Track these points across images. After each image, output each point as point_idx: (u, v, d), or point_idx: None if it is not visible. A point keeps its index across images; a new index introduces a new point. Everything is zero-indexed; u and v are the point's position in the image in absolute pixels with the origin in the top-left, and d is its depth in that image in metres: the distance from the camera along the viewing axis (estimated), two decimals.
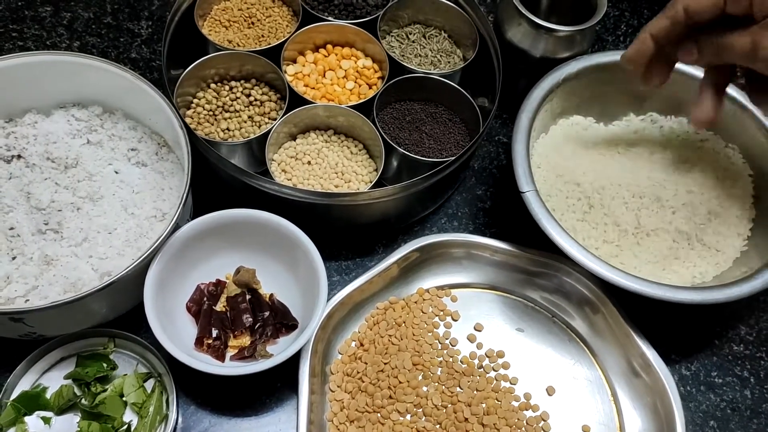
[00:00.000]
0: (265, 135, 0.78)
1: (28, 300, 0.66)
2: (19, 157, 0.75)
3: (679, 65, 0.85)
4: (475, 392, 0.72)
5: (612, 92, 0.87)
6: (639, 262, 0.75)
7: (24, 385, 0.67)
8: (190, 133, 0.72)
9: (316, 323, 0.67)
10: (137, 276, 0.66)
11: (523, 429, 0.71)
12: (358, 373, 0.72)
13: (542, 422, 0.72)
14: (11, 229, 0.70)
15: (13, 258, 0.69)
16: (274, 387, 0.72)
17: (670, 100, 0.87)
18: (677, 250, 0.76)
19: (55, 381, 0.67)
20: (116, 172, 0.77)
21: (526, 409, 0.73)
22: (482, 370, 0.75)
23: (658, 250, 0.75)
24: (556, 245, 0.71)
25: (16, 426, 0.65)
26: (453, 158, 0.75)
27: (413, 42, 0.91)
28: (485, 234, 0.83)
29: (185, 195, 0.69)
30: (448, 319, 0.78)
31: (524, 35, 0.85)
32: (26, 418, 0.65)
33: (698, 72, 0.85)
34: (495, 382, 0.74)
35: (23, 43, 0.90)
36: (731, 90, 0.84)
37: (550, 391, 0.74)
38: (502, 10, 0.88)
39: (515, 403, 0.73)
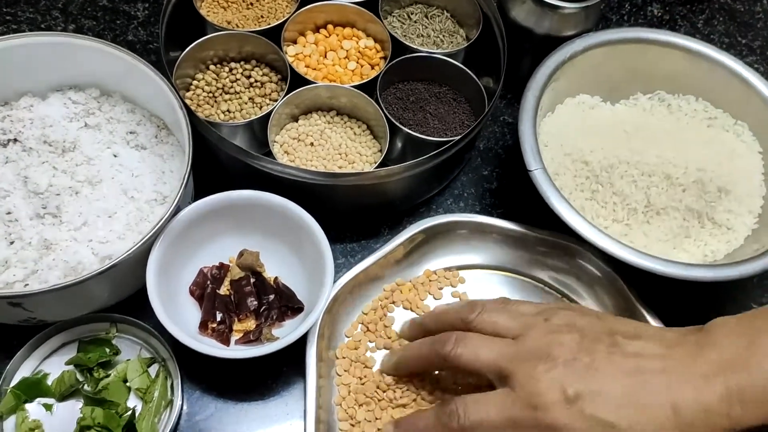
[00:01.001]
0: (267, 116, 0.76)
1: (27, 284, 0.64)
2: (15, 140, 0.73)
3: (677, 39, 0.84)
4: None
5: (619, 71, 0.85)
6: (649, 241, 0.73)
7: (24, 371, 0.65)
8: (191, 115, 0.71)
9: (322, 306, 0.66)
10: (139, 259, 0.65)
11: None
12: (364, 356, 0.71)
13: None
14: (8, 213, 0.69)
15: (11, 243, 0.67)
16: (280, 371, 0.70)
17: (677, 79, 0.86)
18: (688, 229, 0.75)
19: (56, 367, 0.66)
20: (115, 156, 0.75)
21: None
22: None
23: (669, 229, 0.74)
24: (566, 224, 0.69)
25: (16, 413, 0.63)
26: (459, 137, 0.74)
27: (415, 22, 0.89)
28: (492, 215, 0.82)
29: (186, 177, 0.67)
30: (457, 300, 0.76)
31: (528, 13, 0.84)
32: (27, 406, 0.64)
33: (705, 48, 0.84)
34: None
35: (17, 27, 0.88)
36: (739, 66, 0.83)
37: None
38: None
39: None
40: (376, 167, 0.76)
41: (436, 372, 0.70)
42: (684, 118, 0.85)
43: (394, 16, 0.90)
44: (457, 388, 0.69)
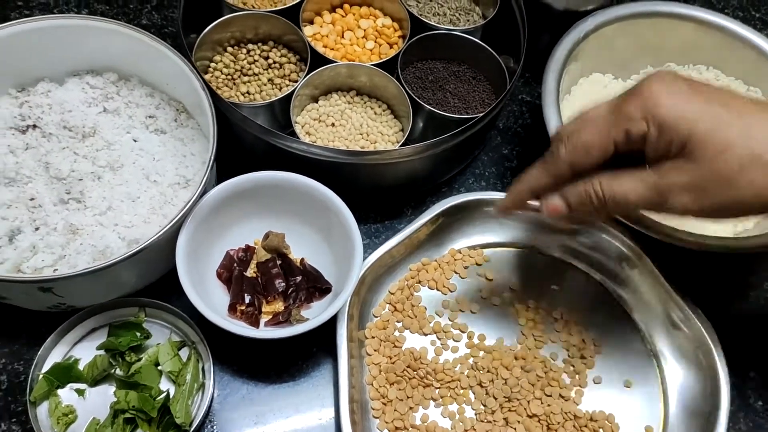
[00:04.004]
0: (288, 97, 0.75)
1: (56, 269, 0.64)
2: (34, 126, 0.73)
3: (691, 11, 0.84)
4: (513, 350, 0.71)
5: (630, 46, 0.85)
6: (681, 219, 0.73)
7: (55, 357, 0.65)
8: (214, 96, 0.70)
9: (352, 286, 0.66)
10: (166, 243, 0.64)
11: (561, 384, 0.70)
12: (393, 336, 0.71)
13: (582, 378, 0.71)
14: (32, 199, 0.68)
15: (36, 228, 0.67)
16: (310, 352, 0.70)
17: (687, 49, 0.86)
18: None
19: (86, 352, 0.65)
20: (135, 140, 0.74)
21: (565, 365, 0.72)
22: (520, 328, 0.73)
23: None
24: None
25: (49, 399, 0.63)
26: (482, 114, 0.73)
27: (431, 1, 0.89)
28: None
29: (212, 158, 0.67)
30: (482, 278, 0.76)
31: None
32: (59, 391, 0.63)
33: (713, 17, 0.84)
34: (531, 339, 0.73)
35: (29, 12, 0.87)
36: (750, 34, 0.83)
37: (589, 347, 0.73)
38: None
39: (554, 361, 0.72)
40: (400, 146, 0.75)
41: (480, 354, 0.70)
42: None
43: None
44: (493, 370, 0.70)
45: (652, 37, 0.85)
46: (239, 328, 0.63)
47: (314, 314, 0.68)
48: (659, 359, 0.73)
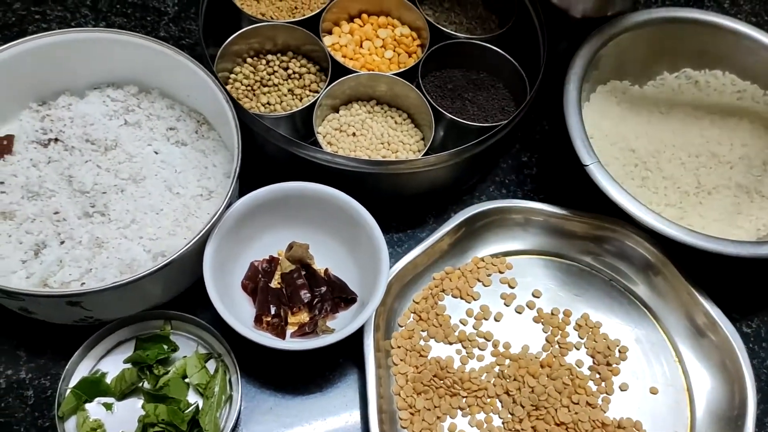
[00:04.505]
0: (310, 108, 0.75)
1: (84, 283, 0.64)
2: (56, 140, 0.73)
3: (707, 16, 0.84)
4: (538, 357, 0.71)
5: (646, 52, 0.86)
6: (706, 222, 0.73)
7: (82, 371, 0.64)
8: (237, 107, 0.70)
9: (379, 297, 0.65)
10: (192, 256, 0.64)
11: (588, 391, 0.70)
12: (419, 345, 0.71)
13: (608, 385, 0.71)
14: (56, 213, 0.68)
15: (62, 242, 0.66)
16: (336, 362, 0.70)
17: (702, 55, 0.87)
18: (739, 205, 0.75)
19: (112, 366, 0.65)
20: (156, 153, 0.74)
21: (591, 372, 0.71)
22: (545, 335, 0.73)
23: (722, 207, 0.74)
24: (630, 215, 0.69)
25: (77, 414, 0.62)
26: (506, 121, 0.73)
27: (447, 9, 0.89)
28: (534, 200, 0.81)
29: (236, 170, 0.67)
30: (506, 286, 0.76)
31: None
32: (87, 405, 0.63)
33: (729, 22, 0.84)
34: (557, 346, 0.72)
35: (47, 26, 0.87)
36: (760, 36, 0.83)
37: (614, 354, 0.72)
38: None
39: (580, 369, 0.71)
40: (423, 155, 0.75)
41: (506, 362, 0.70)
42: (713, 93, 0.85)
43: (426, 3, 0.89)
44: (519, 378, 0.69)
45: (669, 43, 0.86)
46: (268, 339, 0.63)
47: (340, 324, 0.69)
48: (685, 365, 0.72)
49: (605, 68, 0.84)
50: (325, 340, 0.63)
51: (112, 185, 0.70)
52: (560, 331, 0.73)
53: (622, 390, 0.71)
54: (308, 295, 0.70)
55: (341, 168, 0.70)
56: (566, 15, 0.84)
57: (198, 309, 0.70)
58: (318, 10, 0.81)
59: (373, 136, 0.78)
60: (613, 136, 0.79)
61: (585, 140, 0.72)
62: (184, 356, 0.66)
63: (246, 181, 0.73)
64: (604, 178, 0.70)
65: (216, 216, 0.65)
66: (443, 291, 0.75)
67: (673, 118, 0.82)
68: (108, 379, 0.64)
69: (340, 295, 0.70)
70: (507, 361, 0.71)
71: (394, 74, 0.78)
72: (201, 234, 0.64)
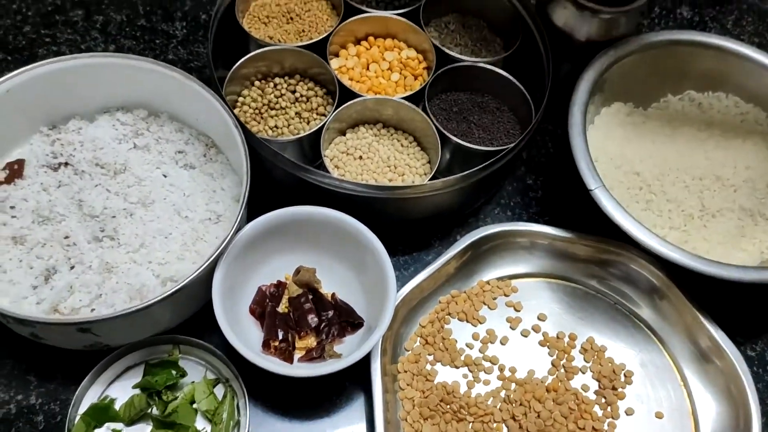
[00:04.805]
0: (317, 131, 0.76)
1: (94, 309, 0.64)
2: (66, 164, 0.73)
3: (710, 38, 0.85)
4: (544, 382, 0.71)
5: (650, 74, 0.86)
6: (710, 245, 0.74)
7: (91, 397, 0.65)
8: (245, 131, 0.71)
9: (386, 322, 0.66)
10: (202, 281, 0.65)
11: (594, 416, 0.70)
12: (425, 370, 0.71)
13: (614, 410, 0.71)
14: (66, 237, 0.69)
15: (72, 267, 0.67)
16: (343, 387, 0.70)
17: (705, 77, 0.87)
18: (743, 228, 0.75)
19: (122, 391, 0.66)
20: (165, 176, 0.75)
21: (597, 397, 0.72)
22: (550, 359, 0.73)
23: (726, 230, 0.74)
24: (635, 239, 0.69)
25: None
26: (513, 145, 0.74)
27: (452, 31, 0.89)
28: (539, 222, 0.82)
29: (245, 195, 0.67)
30: (511, 310, 0.76)
31: (569, 18, 0.84)
32: (96, 431, 0.64)
33: (732, 45, 0.84)
34: (562, 370, 0.73)
35: (57, 48, 0.88)
36: (761, 57, 0.84)
37: (619, 378, 0.73)
38: None
39: (586, 393, 0.72)
40: (430, 179, 0.76)
41: (512, 386, 0.70)
42: (717, 116, 0.86)
43: (431, 25, 0.90)
44: (525, 402, 0.70)
45: (672, 66, 0.86)
46: (277, 366, 0.63)
47: (347, 349, 0.69)
48: (690, 390, 0.73)
49: (610, 91, 0.84)
50: (332, 366, 0.64)
51: (121, 209, 0.71)
52: (566, 355, 0.74)
53: (627, 414, 0.71)
54: (315, 319, 0.70)
55: (348, 192, 0.71)
56: (570, 38, 0.85)
57: (206, 333, 0.70)
58: (325, 34, 0.82)
59: (379, 160, 0.78)
60: (618, 159, 0.79)
61: (590, 164, 0.73)
62: (193, 381, 0.66)
63: (253, 204, 0.74)
64: (609, 202, 0.71)
65: (225, 241, 0.65)
66: (449, 314, 0.75)
67: (678, 140, 0.82)
68: (117, 405, 0.65)
69: (348, 320, 0.70)
70: (513, 386, 0.71)
71: (400, 98, 0.79)
72: (212, 259, 0.64)
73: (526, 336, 0.75)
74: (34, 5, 0.90)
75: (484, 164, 0.72)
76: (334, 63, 0.83)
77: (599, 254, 0.77)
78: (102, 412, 0.64)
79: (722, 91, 0.88)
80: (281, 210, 0.70)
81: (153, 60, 0.73)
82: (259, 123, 0.80)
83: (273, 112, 0.80)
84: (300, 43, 0.81)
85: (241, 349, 0.62)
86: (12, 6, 0.90)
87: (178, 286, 0.61)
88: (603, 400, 0.71)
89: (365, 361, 0.67)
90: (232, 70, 0.78)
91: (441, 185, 0.71)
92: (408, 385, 0.70)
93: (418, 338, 0.73)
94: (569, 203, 0.83)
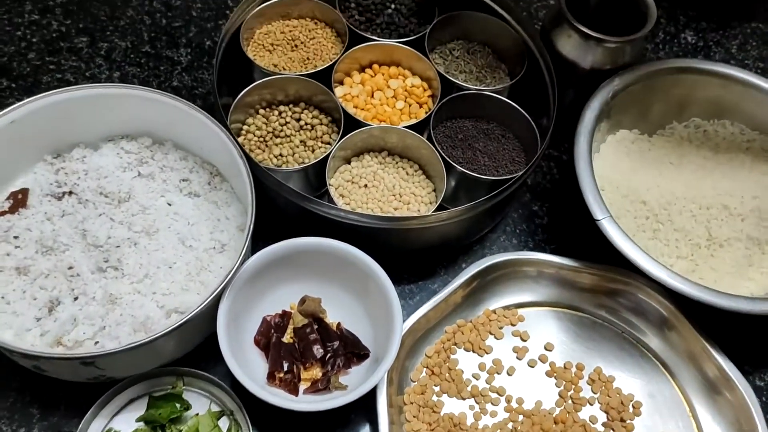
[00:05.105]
0: (322, 161, 0.76)
1: (97, 342, 0.64)
2: (70, 193, 0.73)
3: (715, 66, 0.85)
4: (552, 413, 0.71)
5: (655, 102, 0.86)
6: (718, 275, 0.73)
7: (94, 429, 0.64)
8: (250, 162, 0.70)
9: (392, 356, 0.65)
10: (207, 313, 0.64)
11: None
12: (432, 401, 0.70)
13: None
14: (70, 268, 0.68)
15: (75, 298, 0.67)
16: (348, 418, 0.70)
17: (711, 104, 0.87)
18: (750, 257, 0.75)
19: (125, 424, 0.65)
20: (169, 204, 0.75)
21: (605, 429, 0.71)
22: (558, 389, 0.73)
23: (734, 260, 0.74)
24: (643, 271, 0.69)
25: None
26: (519, 174, 0.74)
27: (457, 58, 0.90)
28: (545, 250, 0.82)
29: (250, 225, 0.67)
30: (518, 339, 0.76)
31: (573, 47, 0.84)
32: None
33: (737, 73, 0.84)
34: (570, 401, 0.72)
35: (61, 75, 0.88)
36: (766, 85, 0.84)
37: (628, 410, 0.72)
38: (549, 22, 0.86)
39: (594, 425, 0.71)
40: (436, 208, 0.75)
41: (519, 418, 0.70)
42: (722, 143, 0.86)
43: (436, 52, 0.90)
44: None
45: (677, 94, 0.86)
46: (282, 400, 0.62)
47: (352, 380, 0.68)
48: (699, 422, 0.72)
49: (615, 118, 0.84)
50: (338, 400, 0.63)
51: (125, 238, 0.71)
52: (573, 386, 0.73)
53: None
54: (321, 350, 0.69)
55: (353, 223, 0.71)
56: (575, 67, 0.85)
57: (210, 363, 0.70)
58: (330, 62, 0.82)
59: (384, 188, 0.78)
60: (624, 188, 0.79)
61: (596, 194, 0.73)
62: (197, 413, 0.66)
63: (258, 232, 0.73)
64: (617, 233, 0.71)
65: (231, 273, 0.65)
66: (455, 344, 0.74)
67: (684, 169, 0.82)
68: None
69: (353, 351, 0.70)
70: (520, 417, 0.71)
71: (405, 126, 0.79)
72: (217, 291, 0.64)
73: (533, 366, 0.74)
74: (38, 32, 0.91)
75: (490, 195, 0.72)
76: (339, 91, 0.83)
77: (606, 283, 0.76)
78: None
79: (727, 118, 0.88)
80: (286, 241, 0.70)
81: (157, 90, 0.73)
82: (263, 151, 0.79)
83: (278, 140, 0.80)
84: (305, 72, 0.81)
85: (247, 383, 0.61)
86: (17, 33, 0.90)
87: (183, 320, 0.61)
88: (609, 431, 0.71)
89: (371, 393, 0.66)
90: (236, 98, 0.78)
91: (447, 216, 0.71)
92: (414, 417, 0.69)
93: (425, 369, 0.73)
94: (576, 230, 0.83)
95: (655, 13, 0.83)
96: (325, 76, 0.81)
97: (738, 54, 1.04)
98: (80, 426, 0.63)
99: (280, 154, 0.79)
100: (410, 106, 0.84)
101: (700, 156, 0.84)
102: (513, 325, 0.77)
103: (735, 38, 1.05)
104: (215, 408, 0.67)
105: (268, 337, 0.70)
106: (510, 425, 0.70)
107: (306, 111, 0.82)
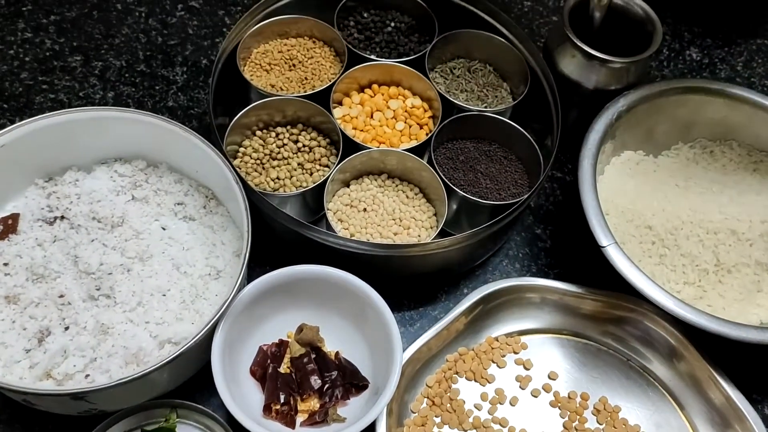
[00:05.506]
0: (321, 184, 0.74)
1: (88, 375, 0.62)
2: (62, 218, 0.71)
3: (721, 86, 0.83)
4: None
5: (660, 123, 0.85)
6: (726, 302, 0.71)
7: None
8: (246, 187, 0.69)
9: (392, 388, 0.63)
10: (202, 344, 0.62)
11: None
12: None
13: None
14: (61, 296, 0.66)
15: (66, 328, 0.65)
16: None
17: (718, 125, 0.85)
18: (759, 283, 0.73)
19: None
20: (163, 229, 0.73)
21: None
22: (562, 420, 0.71)
23: (743, 286, 0.72)
24: (649, 299, 0.67)
25: None
26: (522, 199, 0.72)
27: (458, 77, 0.88)
28: (548, 275, 0.80)
29: (246, 253, 0.65)
30: (521, 368, 0.74)
31: (577, 67, 0.82)
32: None
33: (744, 93, 0.83)
34: (574, 431, 0.70)
35: (54, 95, 0.86)
36: None
37: None
38: (552, 42, 0.85)
39: None
40: (436, 234, 0.74)
41: None
42: (729, 164, 0.84)
43: (436, 71, 0.88)
44: None
45: (683, 114, 0.85)
46: None
47: (351, 412, 0.66)
48: None
49: (620, 140, 0.83)
50: None
51: (118, 265, 0.69)
52: (578, 416, 0.71)
53: None
54: (319, 381, 0.68)
55: (352, 251, 0.69)
56: (578, 87, 0.83)
57: (204, 394, 0.68)
58: (329, 83, 0.80)
59: (384, 212, 0.76)
60: (629, 213, 0.77)
61: (601, 219, 0.71)
62: None
63: (254, 258, 0.72)
64: (622, 259, 0.69)
65: (227, 302, 0.63)
66: (457, 373, 0.72)
67: (690, 192, 0.80)
68: None
69: (352, 381, 0.68)
70: None
71: (405, 149, 0.77)
72: (212, 322, 0.62)
73: (536, 396, 0.72)
74: (31, 50, 0.89)
75: (493, 221, 0.70)
76: (338, 112, 0.82)
77: (611, 310, 0.74)
78: None
79: (734, 138, 0.86)
80: (283, 269, 0.68)
81: (151, 113, 0.71)
82: (260, 174, 0.77)
83: (275, 163, 0.78)
84: (303, 93, 0.80)
85: (241, 418, 0.59)
86: (9, 52, 0.88)
87: (177, 353, 0.59)
88: None
89: (370, 424, 0.64)
90: (233, 120, 0.76)
91: (449, 243, 0.69)
92: None
93: (425, 399, 0.71)
94: (580, 254, 0.81)
95: (661, 32, 0.82)
96: (323, 97, 0.80)
97: (744, 71, 1.02)
98: None
99: (278, 177, 0.77)
100: (410, 127, 0.82)
101: (707, 178, 0.82)
102: (516, 353, 0.75)
103: (740, 55, 1.03)
104: None
105: (265, 368, 0.68)
106: None
107: (304, 133, 0.80)
